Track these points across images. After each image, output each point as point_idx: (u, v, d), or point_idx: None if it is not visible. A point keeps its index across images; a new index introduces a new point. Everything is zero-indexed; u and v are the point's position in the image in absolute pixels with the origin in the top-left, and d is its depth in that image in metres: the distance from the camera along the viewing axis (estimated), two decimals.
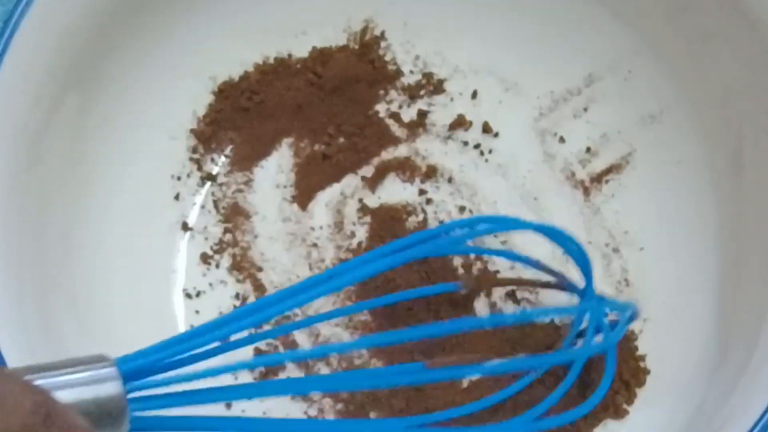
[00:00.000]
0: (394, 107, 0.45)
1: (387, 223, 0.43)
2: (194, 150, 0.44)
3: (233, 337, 0.36)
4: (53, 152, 0.39)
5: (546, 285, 0.42)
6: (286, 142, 0.45)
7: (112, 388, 0.31)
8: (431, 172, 0.44)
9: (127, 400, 0.32)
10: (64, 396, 0.30)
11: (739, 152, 0.42)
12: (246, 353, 0.38)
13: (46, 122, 0.39)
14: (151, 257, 0.43)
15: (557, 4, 0.44)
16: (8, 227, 0.38)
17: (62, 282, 0.40)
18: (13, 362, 0.35)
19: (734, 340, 0.40)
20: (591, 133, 0.44)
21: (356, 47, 0.45)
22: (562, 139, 0.45)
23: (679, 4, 0.42)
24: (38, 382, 0.30)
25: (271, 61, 0.45)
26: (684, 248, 0.43)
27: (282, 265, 0.43)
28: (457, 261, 0.43)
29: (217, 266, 0.43)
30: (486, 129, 0.45)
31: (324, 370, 0.42)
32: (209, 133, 0.44)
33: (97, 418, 0.31)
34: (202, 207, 0.44)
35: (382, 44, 0.45)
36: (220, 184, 0.44)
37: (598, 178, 0.44)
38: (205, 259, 0.43)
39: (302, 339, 0.42)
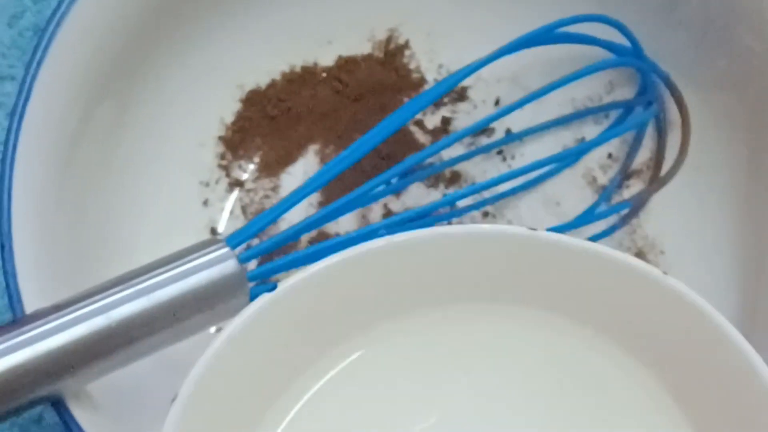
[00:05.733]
0: (418, 114, 0.46)
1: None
2: (222, 157, 0.45)
3: None
4: (87, 158, 0.40)
5: None
6: (312, 148, 0.46)
7: (232, 264, 0.35)
8: (455, 178, 0.45)
9: (246, 271, 0.36)
10: (193, 280, 0.35)
11: (757, 157, 0.42)
12: None
13: (81, 129, 0.39)
14: None
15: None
16: (43, 234, 0.38)
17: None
18: None
19: (755, 340, 0.40)
20: (612, 139, 0.45)
21: (381, 56, 0.46)
22: None
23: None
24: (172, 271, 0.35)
25: (298, 69, 0.46)
26: (705, 252, 0.43)
27: None
28: None
29: None
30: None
31: None
32: (237, 140, 0.45)
33: (223, 294, 0.35)
34: (231, 213, 0.45)
35: (407, 53, 0.46)
36: (248, 190, 0.45)
37: (619, 184, 0.45)
38: None
39: None
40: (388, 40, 0.46)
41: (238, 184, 0.45)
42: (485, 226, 0.36)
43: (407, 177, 0.44)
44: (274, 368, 0.34)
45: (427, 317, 0.36)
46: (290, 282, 0.33)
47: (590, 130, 0.45)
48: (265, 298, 0.33)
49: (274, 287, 0.38)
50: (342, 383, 0.35)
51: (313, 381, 0.35)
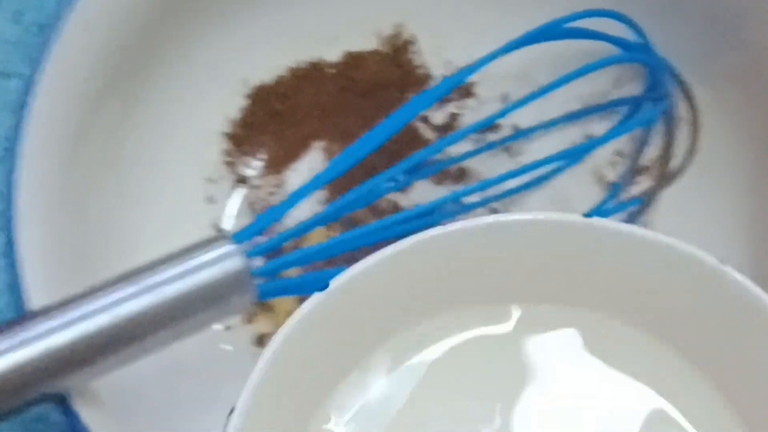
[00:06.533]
0: (424, 110, 0.45)
1: None
2: (227, 153, 0.45)
3: None
4: (92, 155, 0.40)
5: None
6: (318, 145, 0.45)
7: (238, 261, 0.35)
8: (462, 175, 0.45)
9: (251, 269, 0.35)
10: (199, 277, 0.34)
11: (767, 153, 0.42)
12: None
13: (86, 126, 0.39)
14: None
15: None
16: (49, 231, 0.38)
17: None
18: None
19: None
20: (620, 136, 0.45)
21: (387, 52, 0.46)
22: None
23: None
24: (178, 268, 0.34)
25: (304, 65, 0.46)
26: (713, 250, 0.43)
27: None
28: None
29: None
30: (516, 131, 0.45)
31: None
32: (242, 137, 0.45)
33: (229, 291, 0.35)
34: (236, 209, 0.45)
35: (413, 49, 0.46)
36: (254, 187, 0.45)
37: (628, 181, 0.45)
38: None
39: None
40: (395, 35, 0.46)
41: (243, 180, 0.45)
42: (544, 214, 0.35)
43: (413, 174, 0.44)
44: (329, 368, 0.33)
45: (489, 315, 0.35)
46: (341, 279, 0.32)
47: (598, 126, 0.45)
48: (316, 298, 0.32)
49: (281, 283, 0.38)
50: (399, 383, 0.34)
51: (371, 378, 0.34)
